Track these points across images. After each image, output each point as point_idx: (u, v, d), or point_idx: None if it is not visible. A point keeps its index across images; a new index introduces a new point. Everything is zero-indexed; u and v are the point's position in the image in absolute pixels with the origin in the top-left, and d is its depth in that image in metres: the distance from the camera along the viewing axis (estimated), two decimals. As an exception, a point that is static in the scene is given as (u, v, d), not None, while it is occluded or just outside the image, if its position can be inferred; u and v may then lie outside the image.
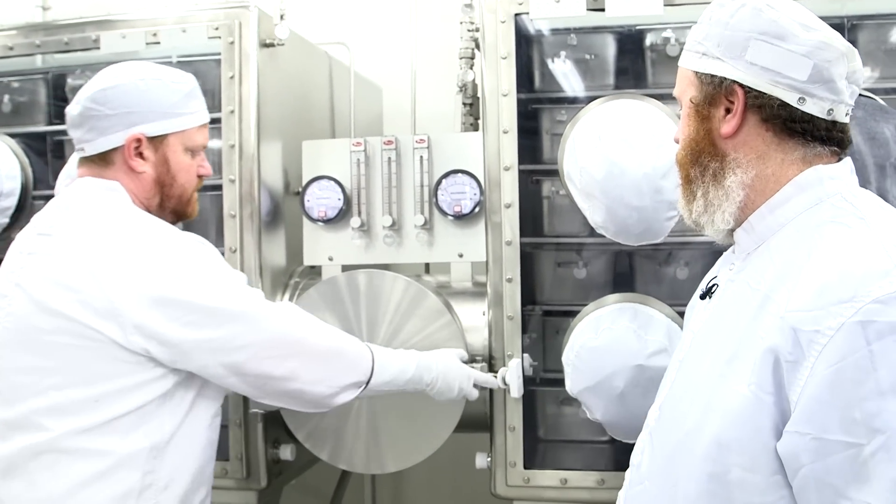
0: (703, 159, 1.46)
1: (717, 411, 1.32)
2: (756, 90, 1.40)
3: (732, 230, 1.50)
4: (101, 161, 2.00)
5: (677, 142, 1.56)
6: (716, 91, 1.44)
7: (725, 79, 1.42)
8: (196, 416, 1.96)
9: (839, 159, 1.45)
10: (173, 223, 2.08)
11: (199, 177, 2.16)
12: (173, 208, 2.10)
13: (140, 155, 2.00)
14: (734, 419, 1.29)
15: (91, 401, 1.81)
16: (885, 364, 1.16)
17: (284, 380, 1.99)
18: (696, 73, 1.47)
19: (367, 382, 2.13)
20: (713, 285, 1.55)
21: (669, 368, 1.61)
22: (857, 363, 1.17)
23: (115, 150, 1.99)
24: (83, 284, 1.81)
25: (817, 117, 1.40)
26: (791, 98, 1.38)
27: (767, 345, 1.27)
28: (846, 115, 1.43)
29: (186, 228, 2.73)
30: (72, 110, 1.99)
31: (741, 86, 1.41)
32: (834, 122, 1.41)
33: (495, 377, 2.39)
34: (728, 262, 1.56)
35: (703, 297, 1.57)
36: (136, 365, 1.84)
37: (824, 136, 1.42)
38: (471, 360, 2.46)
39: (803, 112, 1.39)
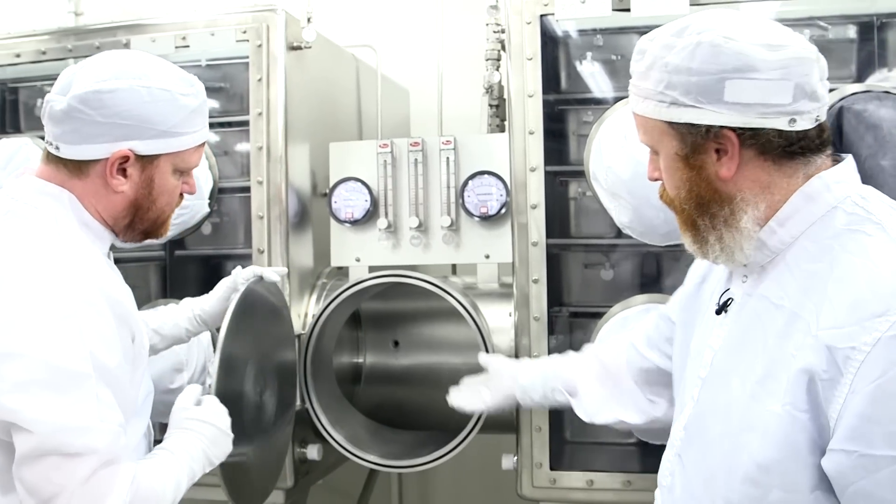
0: (711, 208, 1.40)
1: (756, 433, 1.31)
2: (748, 129, 1.34)
3: None
4: (73, 168, 1.67)
5: (656, 179, 1.50)
6: (702, 139, 1.36)
7: (712, 126, 1.34)
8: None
9: (835, 161, 1.41)
10: (137, 242, 1.82)
11: (180, 195, 1.84)
12: (144, 230, 1.79)
13: (123, 172, 1.68)
14: (772, 440, 1.28)
15: None
16: None
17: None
18: (671, 123, 1.38)
19: None
20: (728, 300, 1.50)
21: (686, 383, 1.57)
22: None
23: (94, 161, 1.67)
24: None
25: (809, 130, 1.35)
26: (782, 124, 1.33)
27: (801, 365, 1.25)
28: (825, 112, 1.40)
29: (214, 231, 2.81)
30: (55, 103, 1.65)
31: (731, 129, 1.34)
32: (820, 126, 1.37)
33: None
34: (739, 274, 1.50)
35: (718, 312, 1.52)
36: None
37: (818, 145, 1.37)
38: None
39: (797, 132, 1.34)
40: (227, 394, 1.95)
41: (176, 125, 1.69)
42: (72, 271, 1.57)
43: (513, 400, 2.11)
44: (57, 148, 1.67)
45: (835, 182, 1.37)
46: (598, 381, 2.00)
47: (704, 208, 1.40)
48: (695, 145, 1.37)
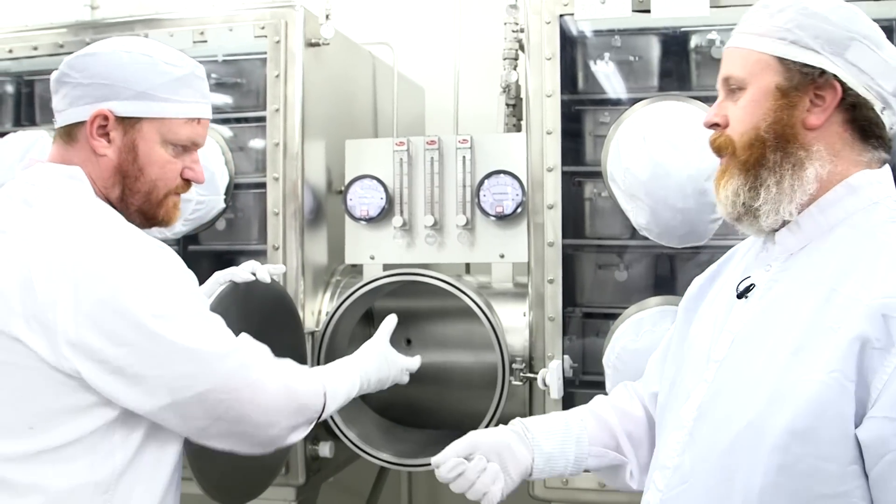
0: (788, 147, 1.42)
1: (788, 401, 1.30)
2: (853, 90, 1.40)
3: (776, 230, 1.48)
4: (66, 137, 1.71)
5: (716, 125, 1.51)
6: (808, 81, 1.41)
7: (825, 71, 1.40)
8: (151, 450, 1.65)
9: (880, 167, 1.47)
10: (141, 227, 1.76)
11: (186, 181, 1.80)
12: (139, 207, 1.74)
13: (106, 136, 1.69)
14: (810, 408, 1.28)
15: (25, 426, 1.54)
16: None
17: (233, 422, 1.68)
18: (782, 59, 1.43)
19: (320, 416, 1.89)
20: (751, 285, 1.51)
21: (691, 368, 1.56)
22: None
23: (80, 125, 1.69)
24: (16, 290, 1.52)
25: (887, 127, 1.43)
26: (876, 105, 1.41)
27: (853, 334, 1.27)
28: None
29: (228, 226, 2.81)
30: (53, 75, 1.73)
31: (839, 81, 1.40)
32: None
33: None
34: (763, 262, 1.51)
35: (739, 296, 1.52)
36: (71, 388, 1.53)
37: (886, 143, 1.45)
38: (511, 362, 2.47)
39: (882, 120, 1.42)
40: None
41: (155, 88, 1.69)
42: (128, 227, 1.66)
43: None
44: (55, 120, 1.73)
45: (878, 181, 1.43)
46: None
47: (781, 144, 1.43)
48: (799, 84, 1.42)
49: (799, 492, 1.29)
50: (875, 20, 1.45)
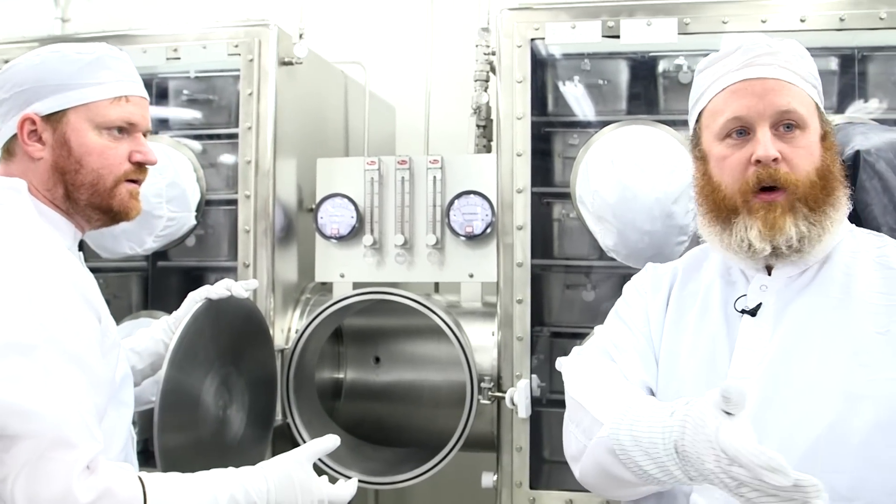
0: (837, 191, 1.54)
1: (868, 399, 1.40)
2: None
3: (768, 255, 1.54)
4: (7, 153, 1.69)
5: (777, 160, 1.52)
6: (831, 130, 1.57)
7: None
8: None
9: None
10: (101, 223, 1.74)
11: (138, 164, 1.74)
12: (88, 201, 1.69)
13: (39, 140, 1.66)
14: (889, 404, 1.39)
15: None
16: None
17: None
18: (817, 105, 1.56)
19: None
20: (758, 304, 1.55)
21: (706, 381, 1.53)
22: None
23: (15, 137, 1.67)
24: None
25: None
26: None
27: None
28: None
29: (198, 243, 2.80)
30: None
31: None
32: None
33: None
34: (757, 284, 1.57)
35: (745, 313, 1.57)
36: None
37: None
38: (479, 380, 2.49)
39: None
40: (177, 409, 1.93)
41: (70, 76, 1.67)
42: (25, 251, 1.53)
43: None
44: None
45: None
46: None
47: (834, 186, 1.53)
48: (825, 133, 1.56)
49: (886, 482, 1.38)
50: (836, 48, 1.52)
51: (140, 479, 1.50)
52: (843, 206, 1.53)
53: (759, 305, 1.54)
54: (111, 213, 1.72)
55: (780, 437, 1.44)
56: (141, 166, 1.74)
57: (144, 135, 1.76)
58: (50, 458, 1.39)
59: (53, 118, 1.66)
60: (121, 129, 1.70)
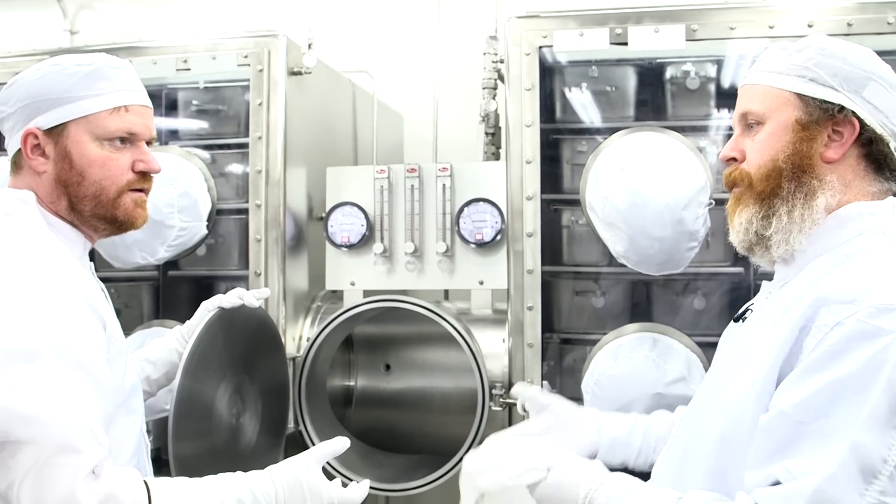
0: (804, 177, 1.48)
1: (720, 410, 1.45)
2: (870, 126, 1.47)
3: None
4: (15, 167, 1.72)
5: (732, 160, 1.56)
6: (827, 116, 1.48)
7: (844, 108, 1.46)
8: None
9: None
10: (106, 233, 1.76)
11: (141, 173, 1.74)
12: (93, 212, 1.70)
13: (43, 154, 1.68)
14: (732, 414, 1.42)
15: None
16: None
17: None
18: (801, 95, 1.50)
19: None
20: (747, 309, 1.61)
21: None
22: None
23: (20, 152, 1.69)
24: None
25: None
26: (891, 143, 1.48)
27: (796, 325, 1.37)
28: None
29: (209, 252, 2.81)
30: None
31: (857, 118, 1.47)
32: None
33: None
34: (766, 290, 1.60)
35: (736, 319, 1.62)
36: None
37: None
38: (490, 387, 2.50)
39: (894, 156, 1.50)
40: (190, 417, 1.94)
41: (69, 89, 1.67)
42: (29, 260, 1.55)
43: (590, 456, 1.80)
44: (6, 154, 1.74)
45: (869, 213, 1.47)
46: None
47: (797, 174, 1.49)
48: (819, 119, 1.48)
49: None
50: (878, 52, 1.52)
51: (145, 483, 1.50)
52: (828, 195, 1.47)
53: (745, 312, 1.60)
54: (116, 223, 1.73)
55: (675, 438, 1.62)
56: (145, 175, 1.75)
57: (149, 143, 1.76)
58: (54, 464, 1.40)
59: (55, 132, 1.67)
60: (123, 140, 1.71)
